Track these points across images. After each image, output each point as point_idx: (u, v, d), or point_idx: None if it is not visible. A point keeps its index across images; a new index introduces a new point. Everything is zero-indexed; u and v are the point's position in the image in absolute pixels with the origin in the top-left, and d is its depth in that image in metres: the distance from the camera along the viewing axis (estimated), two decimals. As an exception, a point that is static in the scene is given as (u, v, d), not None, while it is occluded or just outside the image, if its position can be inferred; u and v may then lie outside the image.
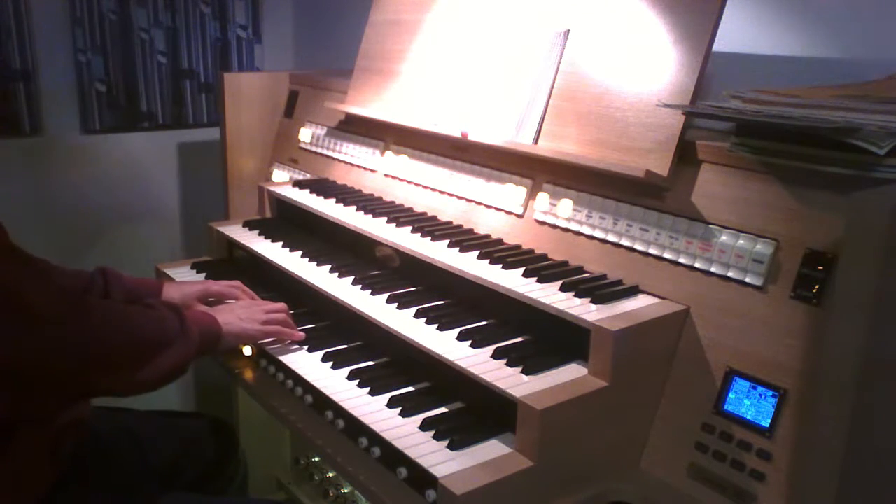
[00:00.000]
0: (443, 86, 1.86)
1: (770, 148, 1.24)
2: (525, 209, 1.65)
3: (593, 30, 1.57)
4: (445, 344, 1.37)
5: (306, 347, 1.57)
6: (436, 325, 1.43)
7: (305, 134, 2.35)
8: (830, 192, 1.19)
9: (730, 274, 1.29)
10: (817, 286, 1.18)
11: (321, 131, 2.30)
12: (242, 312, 1.53)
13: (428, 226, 1.72)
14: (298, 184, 2.11)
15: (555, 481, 1.22)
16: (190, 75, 2.82)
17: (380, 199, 1.98)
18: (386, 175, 2.03)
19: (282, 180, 2.37)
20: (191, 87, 2.84)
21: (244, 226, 2.06)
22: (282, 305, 1.61)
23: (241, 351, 1.62)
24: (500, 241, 1.66)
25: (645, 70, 1.46)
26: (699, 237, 1.34)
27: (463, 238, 1.65)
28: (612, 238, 1.47)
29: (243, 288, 1.73)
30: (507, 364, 1.30)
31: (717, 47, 1.38)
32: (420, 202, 1.90)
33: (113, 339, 1.21)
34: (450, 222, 1.78)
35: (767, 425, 1.20)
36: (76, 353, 1.15)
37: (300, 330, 1.61)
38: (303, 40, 3.06)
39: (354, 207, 1.88)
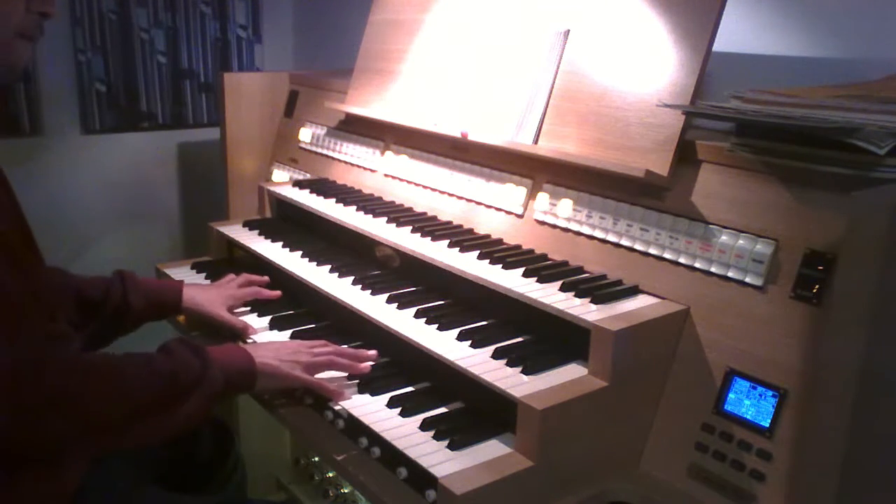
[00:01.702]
0: (443, 86, 1.86)
1: (770, 148, 1.24)
2: (525, 209, 1.65)
3: (593, 30, 1.57)
4: (445, 344, 1.37)
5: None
6: (436, 325, 1.43)
7: (305, 134, 2.35)
8: (830, 192, 1.19)
9: (730, 274, 1.29)
10: (817, 286, 1.18)
11: (321, 131, 2.30)
12: (286, 353, 1.39)
13: (428, 226, 1.72)
14: (298, 184, 2.11)
15: (555, 481, 1.22)
16: (190, 75, 2.83)
17: (380, 199, 1.98)
18: (386, 175, 2.03)
19: (282, 180, 2.37)
20: (191, 87, 2.84)
21: (244, 226, 2.06)
22: (333, 348, 1.45)
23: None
24: (500, 241, 1.66)
25: (645, 70, 1.46)
26: (699, 237, 1.33)
27: (463, 238, 1.65)
28: (612, 238, 1.47)
29: (253, 279, 1.76)
30: (507, 364, 1.30)
31: (717, 47, 1.38)
32: (420, 202, 1.90)
33: (111, 401, 1.14)
34: (450, 222, 1.78)
35: (767, 425, 1.20)
36: (70, 416, 1.10)
37: (302, 330, 1.61)
38: (303, 40, 3.06)
39: (354, 207, 1.88)
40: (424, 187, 1.90)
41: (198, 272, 1.97)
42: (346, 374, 1.44)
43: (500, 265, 1.49)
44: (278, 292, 1.74)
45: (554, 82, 1.61)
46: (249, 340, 1.62)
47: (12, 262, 1.12)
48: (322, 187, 2.06)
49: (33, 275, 1.22)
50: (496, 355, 1.33)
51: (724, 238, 1.30)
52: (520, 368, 1.28)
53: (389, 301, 1.55)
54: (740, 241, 1.28)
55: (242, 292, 1.73)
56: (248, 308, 1.73)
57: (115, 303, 1.58)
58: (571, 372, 1.30)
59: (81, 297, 1.55)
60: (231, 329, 1.65)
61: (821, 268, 1.18)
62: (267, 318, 1.69)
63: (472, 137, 1.69)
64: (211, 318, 1.67)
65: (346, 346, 1.49)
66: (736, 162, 1.31)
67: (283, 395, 1.48)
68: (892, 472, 1.22)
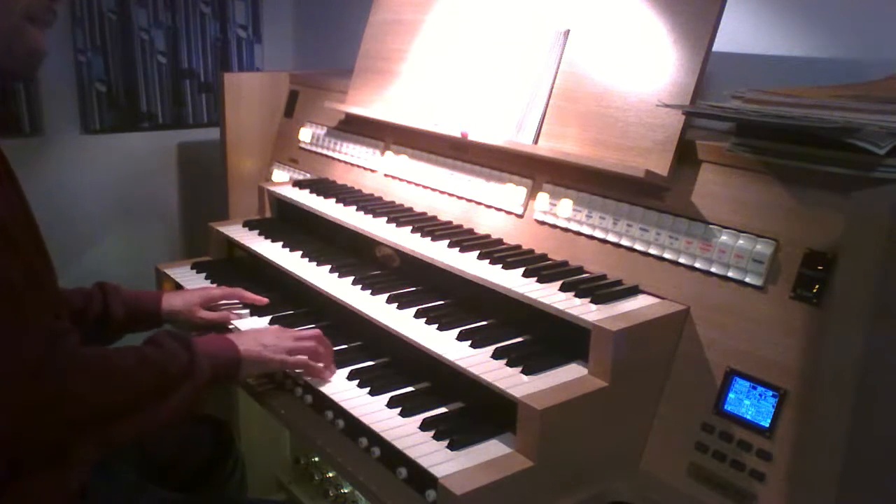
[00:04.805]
0: (443, 85, 1.86)
1: (770, 148, 1.24)
2: (525, 209, 1.65)
3: (593, 30, 1.57)
4: (445, 344, 1.37)
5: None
6: (436, 325, 1.43)
7: (305, 134, 2.35)
8: (830, 192, 1.19)
9: (730, 274, 1.29)
10: (817, 286, 1.18)
11: (321, 131, 2.30)
12: (268, 339, 1.43)
13: (428, 226, 1.72)
14: (298, 184, 2.11)
15: (555, 481, 1.22)
16: (190, 75, 2.83)
17: (380, 199, 1.98)
18: (386, 175, 2.03)
19: (282, 180, 2.37)
20: (191, 87, 2.84)
21: (244, 226, 2.06)
22: (314, 333, 1.49)
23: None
24: (500, 241, 1.66)
25: (645, 70, 1.46)
26: (699, 237, 1.33)
27: (463, 238, 1.65)
28: (612, 238, 1.47)
29: (243, 293, 1.74)
30: (507, 364, 1.30)
31: (717, 47, 1.38)
32: (420, 202, 1.90)
33: (109, 395, 1.16)
34: (450, 222, 1.78)
35: (767, 425, 1.20)
36: (70, 414, 1.11)
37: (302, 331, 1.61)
38: (303, 40, 3.06)
39: (354, 207, 1.88)
40: (424, 187, 1.90)
41: (198, 272, 1.97)
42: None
43: (500, 265, 1.49)
44: (265, 299, 1.72)
45: (554, 82, 1.61)
46: (231, 327, 1.64)
47: (16, 256, 1.12)
48: (322, 187, 2.06)
49: (40, 271, 1.21)
50: (496, 355, 1.33)
51: (724, 238, 1.30)
52: (520, 368, 1.28)
53: (389, 301, 1.55)
54: (740, 241, 1.28)
55: (220, 292, 1.72)
56: (249, 310, 1.73)
57: (96, 312, 1.58)
58: (571, 372, 1.30)
59: None
60: (214, 325, 1.66)
61: (821, 268, 1.18)
62: (267, 318, 1.69)
63: (472, 137, 1.69)
64: (190, 321, 1.67)
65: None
66: (736, 162, 1.31)
67: (283, 393, 1.49)
68: (893, 472, 1.22)
